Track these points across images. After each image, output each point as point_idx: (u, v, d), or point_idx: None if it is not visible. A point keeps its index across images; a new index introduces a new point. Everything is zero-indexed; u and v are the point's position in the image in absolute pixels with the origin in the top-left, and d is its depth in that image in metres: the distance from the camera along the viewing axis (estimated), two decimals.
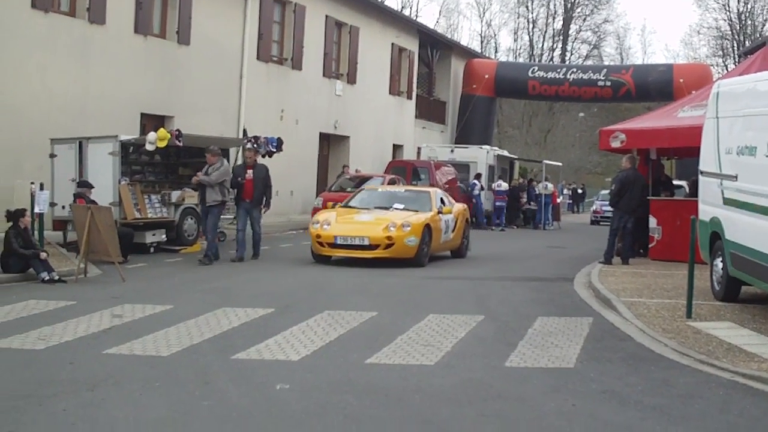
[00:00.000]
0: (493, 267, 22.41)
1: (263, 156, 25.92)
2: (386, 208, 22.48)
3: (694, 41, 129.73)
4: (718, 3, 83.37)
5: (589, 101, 57.98)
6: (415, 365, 10.72)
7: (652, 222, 23.07)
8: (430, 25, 66.20)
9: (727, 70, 71.54)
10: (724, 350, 11.76)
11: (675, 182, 28.15)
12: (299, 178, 35.56)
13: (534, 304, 15.82)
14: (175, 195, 23.40)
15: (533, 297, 16.86)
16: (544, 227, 42.88)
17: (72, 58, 25.96)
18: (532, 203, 43.68)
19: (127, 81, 27.63)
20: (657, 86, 48.47)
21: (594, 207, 52.98)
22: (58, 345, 11.47)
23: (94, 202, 19.92)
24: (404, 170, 38.06)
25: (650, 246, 23.26)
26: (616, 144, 23.41)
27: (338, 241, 20.88)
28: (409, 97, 47.47)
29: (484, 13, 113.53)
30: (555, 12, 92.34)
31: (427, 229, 21.57)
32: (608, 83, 50.17)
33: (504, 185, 41.12)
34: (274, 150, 26.06)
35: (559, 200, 49.97)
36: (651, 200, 23.30)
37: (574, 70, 53.01)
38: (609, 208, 26.06)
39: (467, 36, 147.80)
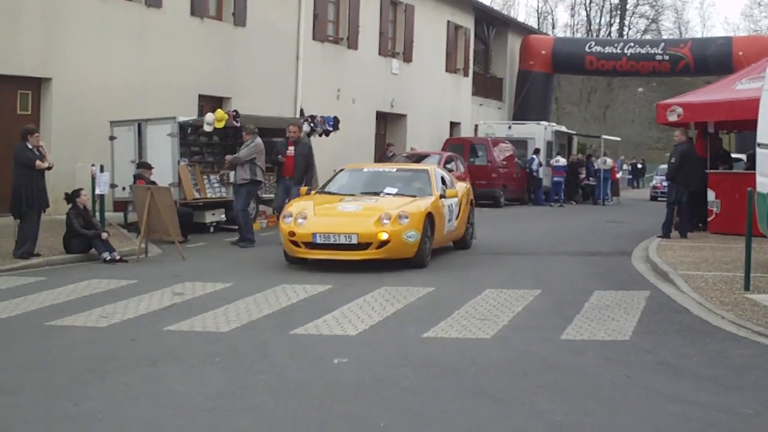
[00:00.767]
0: (551, 242, 22.39)
1: (320, 135, 26.06)
2: (376, 194, 17.94)
3: (755, 13, 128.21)
4: None
5: (648, 76, 57.65)
6: (472, 339, 10.81)
7: (711, 195, 22.95)
8: (486, 2, 65.91)
9: None
10: None
11: (733, 155, 27.96)
12: (356, 158, 35.56)
13: (591, 278, 15.85)
14: (233, 175, 23.56)
15: (590, 271, 16.88)
16: (603, 203, 42.73)
17: (130, 41, 26.23)
18: (591, 179, 43.55)
19: (184, 63, 27.86)
20: (716, 59, 47.96)
21: (653, 182, 52.60)
22: (120, 322, 11.68)
23: (153, 182, 20.13)
24: (462, 148, 38.14)
25: (709, 220, 23.14)
26: (673, 118, 23.30)
27: (318, 240, 16.26)
28: (466, 75, 47.39)
29: None
30: None
31: (429, 219, 17.11)
32: (666, 57, 49.79)
33: (562, 161, 41.00)
34: (331, 129, 26.21)
35: (618, 175, 49.72)
36: (709, 173, 23.18)
37: (632, 44, 52.68)
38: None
39: (524, 12, 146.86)
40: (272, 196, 23.84)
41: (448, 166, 33.38)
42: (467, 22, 47.68)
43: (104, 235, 17.66)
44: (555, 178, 40.27)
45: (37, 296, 13.46)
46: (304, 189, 19.17)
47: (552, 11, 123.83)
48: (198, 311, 12.36)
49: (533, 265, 17.74)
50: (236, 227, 21.33)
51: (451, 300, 13.32)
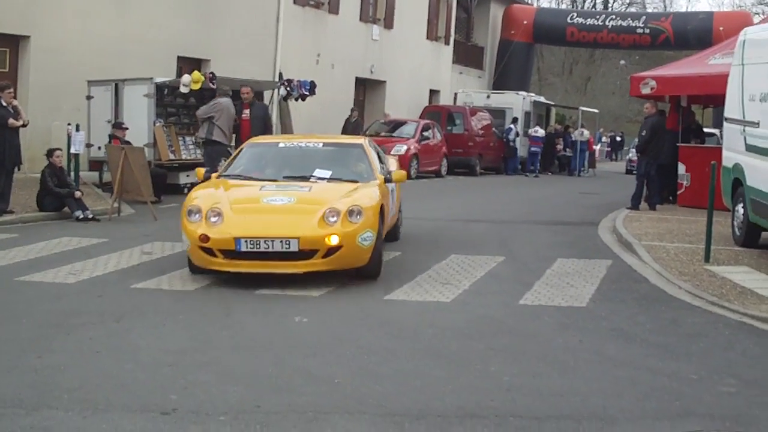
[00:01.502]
0: (522, 211, 22.60)
1: (296, 99, 26.15)
2: (304, 179, 13.32)
3: None
4: None
5: (628, 49, 57.81)
6: (432, 302, 11.05)
7: (681, 169, 23.19)
8: None
9: None
10: (737, 293, 12.00)
11: (707, 130, 28.21)
12: (334, 122, 35.63)
13: (556, 247, 16.08)
14: None
15: (556, 240, 17.12)
16: (578, 174, 42.96)
17: (109, 1, 26.25)
18: (567, 150, 43.76)
19: (163, 24, 27.88)
20: (696, 34, 48.08)
21: (629, 155, 52.83)
22: (88, 279, 11.90)
23: (128, 142, 20.22)
24: (439, 115, 38.27)
25: (678, 193, 23.40)
26: (646, 90, 23.49)
27: (243, 247, 11.66)
28: (447, 43, 47.44)
29: None
30: None
31: (381, 214, 12.89)
32: (647, 31, 49.89)
33: (541, 131, 41.18)
34: (308, 93, 26.32)
35: (596, 148, 49.91)
36: (680, 147, 23.42)
37: (613, 17, 52.82)
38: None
39: None
40: None
41: (426, 133, 33.61)
42: None
43: (77, 194, 17.79)
44: (532, 149, 40.45)
45: (7, 252, 13.64)
46: (201, 171, 14.89)
47: None
48: (166, 270, 12.59)
49: (501, 232, 17.95)
50: None
51: (416, 264, 13.54)
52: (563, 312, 10.70)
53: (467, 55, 51.35)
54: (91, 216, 17.53)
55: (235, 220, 11.95)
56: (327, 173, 13.49)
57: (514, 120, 40.25)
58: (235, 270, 11.80)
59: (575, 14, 53.79)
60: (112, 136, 20.85)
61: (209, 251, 11.79)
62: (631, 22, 51.00)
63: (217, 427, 6.63)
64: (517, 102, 41.92)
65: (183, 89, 22.78)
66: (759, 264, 14.23)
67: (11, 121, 16.96)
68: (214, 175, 14.11)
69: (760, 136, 15.15)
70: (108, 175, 21.22)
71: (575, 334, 9.60)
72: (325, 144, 14.74)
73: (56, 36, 24.56)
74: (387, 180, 13.99)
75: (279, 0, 33.19)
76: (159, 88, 22.72)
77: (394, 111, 39.93)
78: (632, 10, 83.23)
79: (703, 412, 7.37)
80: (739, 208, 16.11)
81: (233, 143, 21.22)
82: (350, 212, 12.05)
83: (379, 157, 14.98)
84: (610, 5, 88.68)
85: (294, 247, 11.66)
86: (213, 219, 11.95)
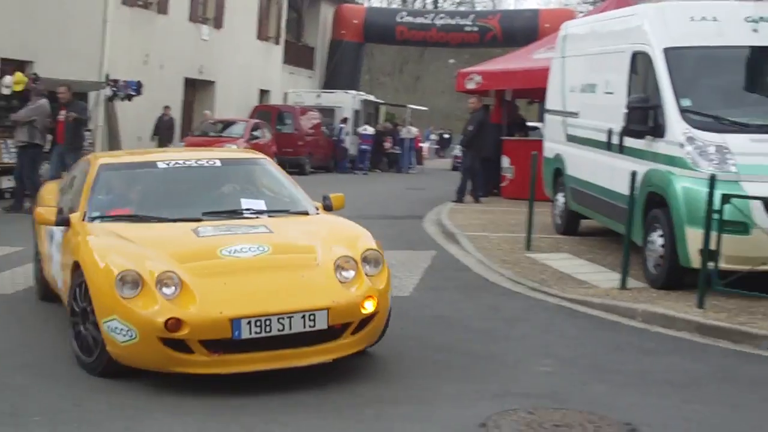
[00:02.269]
0: (350, 207, 22.59)
1: (122, 99, 25.80)
2: (233, 214, 9.36)
3: None
4: None
5: (458, 47, 58.42)
6: None
7: (505, 162, 23.62)
8: None
9: None
10: (557, 278, 12.31)
11: (532, 124, 28.76)
12: None
13: (382, 240, 16.10)
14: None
15: (382, 233, 17.13)
16: (407, 170, 43.36)
17: None
18: (396, 147, 44.13)
19: None
20: (523, 32, 48.83)
21: (454, 152, 53.57)
22: None
23: None
24: (269, 115, 38.19)
25: (502, 185, 23.81)
26: (471, 86, 23.88)
27: (244, 333, 7.57)
28: (277, 43, 47.34)
29: None
30: None
31: None
32: (475, 28, 50.57)
33: (370, 129, 41.44)
34: (134, 93, 26.00)
35: (425, 145, 50.45)
36: (504, 141, 23.85)
37: (442, 15, 53.40)
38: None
39: None
40: None
41: (255, 133, 33.46)
42: None
43: None
44: (362, 146, 40.68)
45: None
46: (44, 214, 9.32)
47: None
48: None
49: None
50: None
51: None
52: None
53: (298, 55, 51.33)
54: None
55: (215, 289, 7.79)
56: (260, 203, 9.66)
57: (344, 119, 40.46)
58: (229, 371, 7.62)
59: (405, 13, 54.24)
60: None
61: (180, 345, 7.53)
62: (459, 20, 51.67)
63: None
64: (346, 101, 42.16)
65: (5, 90, 22.21)
66: (578, 251, 14.61)
67: None
68: (74, 215, 9.16)
69: (579, 126, 15.56)
70: None
71: (397, 323, 9.60)
72: (223, 162, 10.30)
73: None
74: (327, 207, 10.57)
75: (107, 1, 32.68)
76: None
77: (224, 111, 39.66)
78: (462, 8, 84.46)
79: (519, 392, 7.55)
80: (560, 197, 16.52)
81: (48, 146, 20.52)
82: (367, 260, 8.59)
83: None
84: (440, 4, 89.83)
85: (322, 323, 7.81)
86: (166, 291, 7.68)
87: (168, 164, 9.87)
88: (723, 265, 10.66)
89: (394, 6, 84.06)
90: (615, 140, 13.47)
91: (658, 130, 12.08)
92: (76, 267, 8.25)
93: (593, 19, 17.01)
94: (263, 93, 45.74)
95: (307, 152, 37.43)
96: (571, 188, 15.77)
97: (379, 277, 8.48)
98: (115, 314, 7.59)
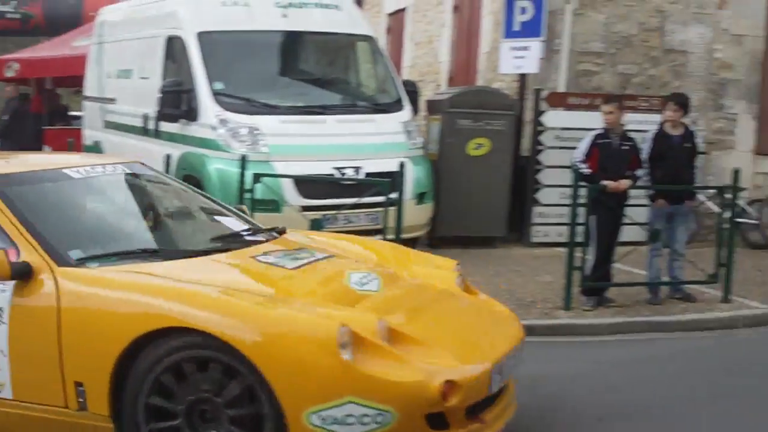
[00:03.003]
0: None
1: None
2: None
3: None
4: None
5: (0, 35, 56.61)
6: None
7: (47, 151, 23.03)
8: None
9: None
10: None
11: (75, 113, 28.22)
12: None
13: None
14: None
15: None
16: None
17: None
18: None
19: None
20: (66, 20, 47.56)
21: None
22: None
23: None
24: None
25: None
26: (10, 73, 23.08)
27: (497, 383, 5.79)
28: None
29: None
30: None
31: None
32: (17, 15, 49.09)
33: None
34: None
35: None
36: (45, 130, 23.25)
37: None
38: None
39: None
40: None
41: None
42: None
43: None
44: None
45: None
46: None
47: None
48: None
49: None
50: None
51: None
52: None
53: None
54: None
55: (434, 334, 5.80)
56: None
57: None
58: None
59: None
60: None
61: (437, 421, 5.41)
62: (1, 6, 49.97)
63: None
64: None
65: None
66: None
67: None
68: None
69: (117, 112, 15.47)
70: None
71: None
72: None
73: None
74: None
75: None
76: None
77: None
78: None
79: None
80: None
81: None
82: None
83: None
84: None
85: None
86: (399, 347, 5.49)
87: (79, 175, 6.73)
88: None
89: None
90: (151, 125, 13.47)
91: (191, 114, 12.21)
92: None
93: (129, 5, 16.88)
94: None
95: None
96: None
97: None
98: (349, 394, 5.13)
